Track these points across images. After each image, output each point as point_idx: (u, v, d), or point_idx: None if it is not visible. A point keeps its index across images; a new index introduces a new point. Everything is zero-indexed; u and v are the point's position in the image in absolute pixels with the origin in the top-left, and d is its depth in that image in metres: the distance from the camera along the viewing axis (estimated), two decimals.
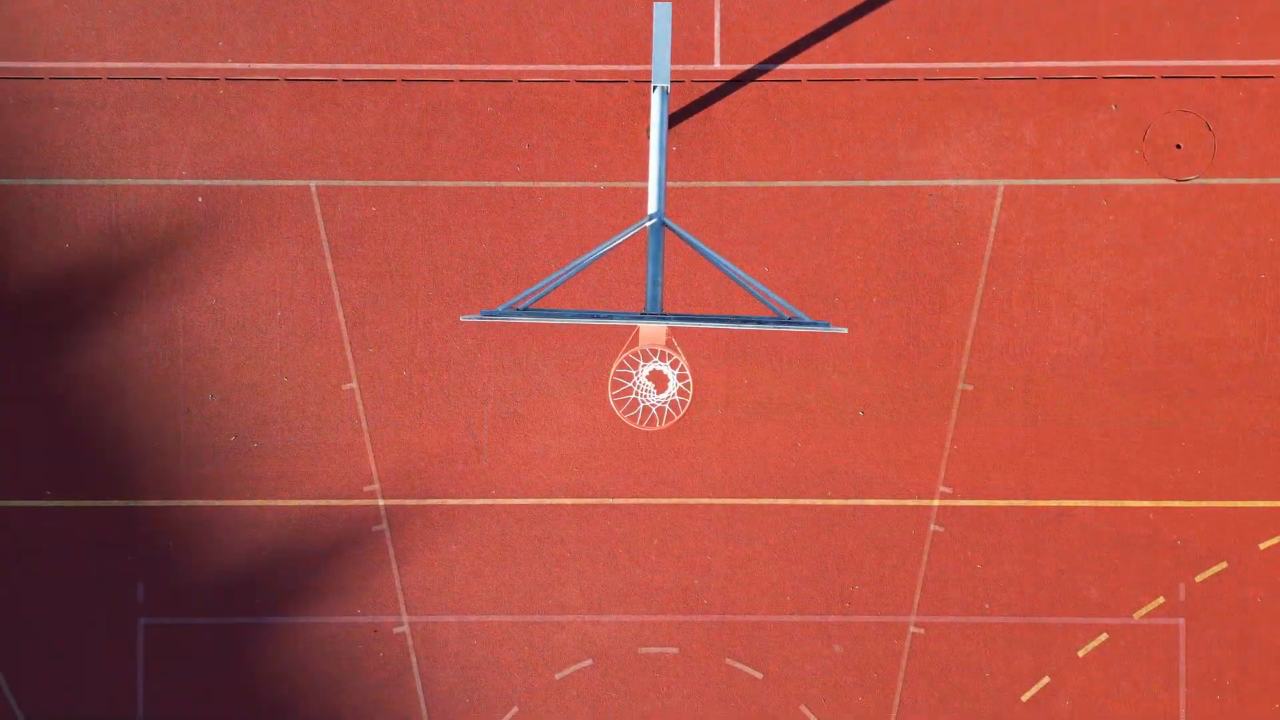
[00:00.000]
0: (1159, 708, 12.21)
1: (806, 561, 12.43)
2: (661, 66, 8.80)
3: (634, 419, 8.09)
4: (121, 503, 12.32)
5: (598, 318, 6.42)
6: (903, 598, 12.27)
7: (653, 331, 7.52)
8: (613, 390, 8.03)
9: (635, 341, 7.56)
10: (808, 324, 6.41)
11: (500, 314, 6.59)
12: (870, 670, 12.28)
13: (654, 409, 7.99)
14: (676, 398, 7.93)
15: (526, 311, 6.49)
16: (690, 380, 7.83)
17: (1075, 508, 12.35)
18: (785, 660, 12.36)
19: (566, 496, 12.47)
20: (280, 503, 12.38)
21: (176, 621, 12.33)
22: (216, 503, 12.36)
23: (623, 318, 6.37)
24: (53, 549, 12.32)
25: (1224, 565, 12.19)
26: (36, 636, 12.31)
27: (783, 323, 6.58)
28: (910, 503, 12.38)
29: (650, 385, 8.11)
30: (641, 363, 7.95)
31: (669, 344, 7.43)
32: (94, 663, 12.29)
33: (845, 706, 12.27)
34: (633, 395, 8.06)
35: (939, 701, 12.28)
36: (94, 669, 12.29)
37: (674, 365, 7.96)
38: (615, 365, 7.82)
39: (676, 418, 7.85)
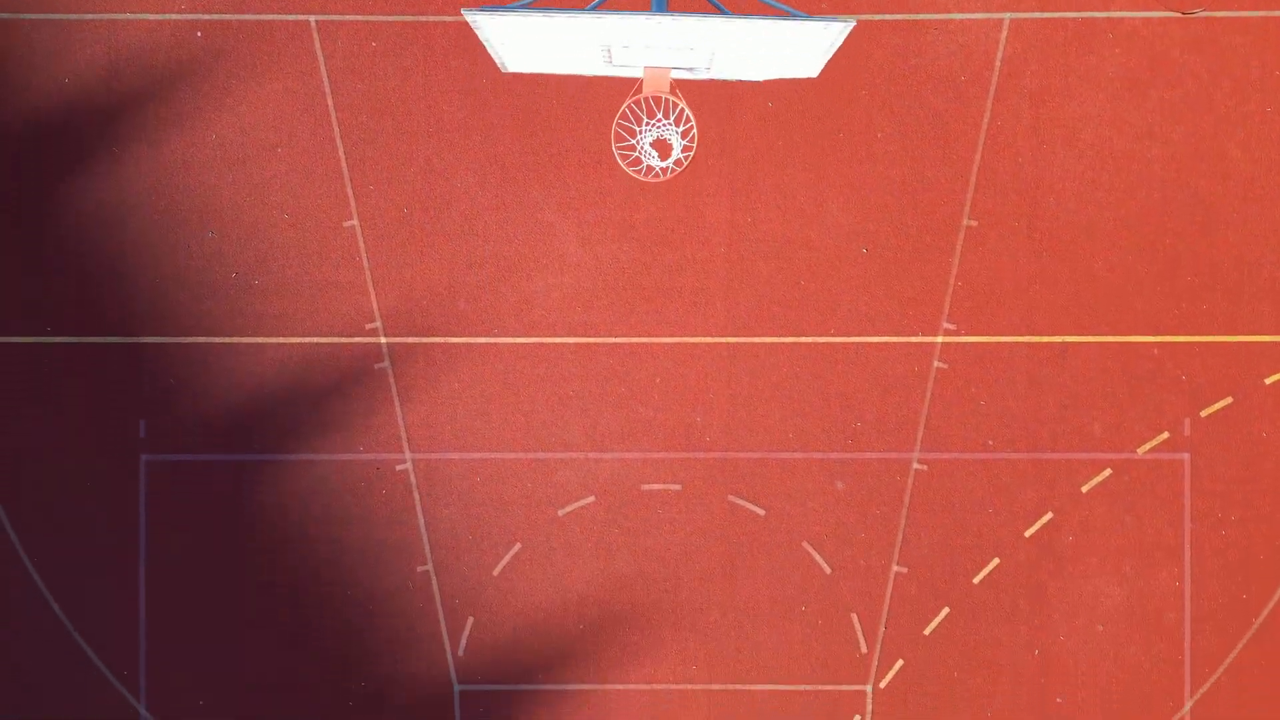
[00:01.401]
0: (1163, 543, 12.19)
1: (809, 399, 12.40)
2: None
3: (637, 172, 7.98)
4: (122, 339, 12.29)
5: (597, 10, 6.25)
6: (906, 435, 12.24)
7: (656, 75, 7.40)
8: (616, 144, 7.92)
9: (639, 90, 7.43)
10: (816, 19, 6.28)
11: (502, 9, 6.44)
12: (873, 507, 12.27)
13: (657, 168, 7.88)
14: (681, 155, 7.84)
15: (528, 9, 6.36)
16: (695, 132, 7.71)
17: (1079, 343, 12.31)
18: (787, 497, 12.34)
19: (569, 335, 12.43)
20: (282, 340, 12.34)
21: (178, 458, 12.33)
22: (218, 340, 12.32)
23: (624, 14, 6.23)
24: (54, 386, 12.30)
25: (1229, 400, 12.15)
26: (38, 474, 12.30)
27: (790, 17, 6.44)
28: (914, 340, 12.34)
29: (654, 152, 8.01)
30: (645, 119, 7.82)
31: (673, 90, 7.29)
32: (96, 499, 12.29)
33: (847, 543, 12.27)
34: (636, 154, 7.94)
35: (941, 538, 12.26)
36: (96, 505, 12.29)
37: (678, 121, 7.82)
38: (618, 116, 7.72)
39: (681, 169, 7.75)
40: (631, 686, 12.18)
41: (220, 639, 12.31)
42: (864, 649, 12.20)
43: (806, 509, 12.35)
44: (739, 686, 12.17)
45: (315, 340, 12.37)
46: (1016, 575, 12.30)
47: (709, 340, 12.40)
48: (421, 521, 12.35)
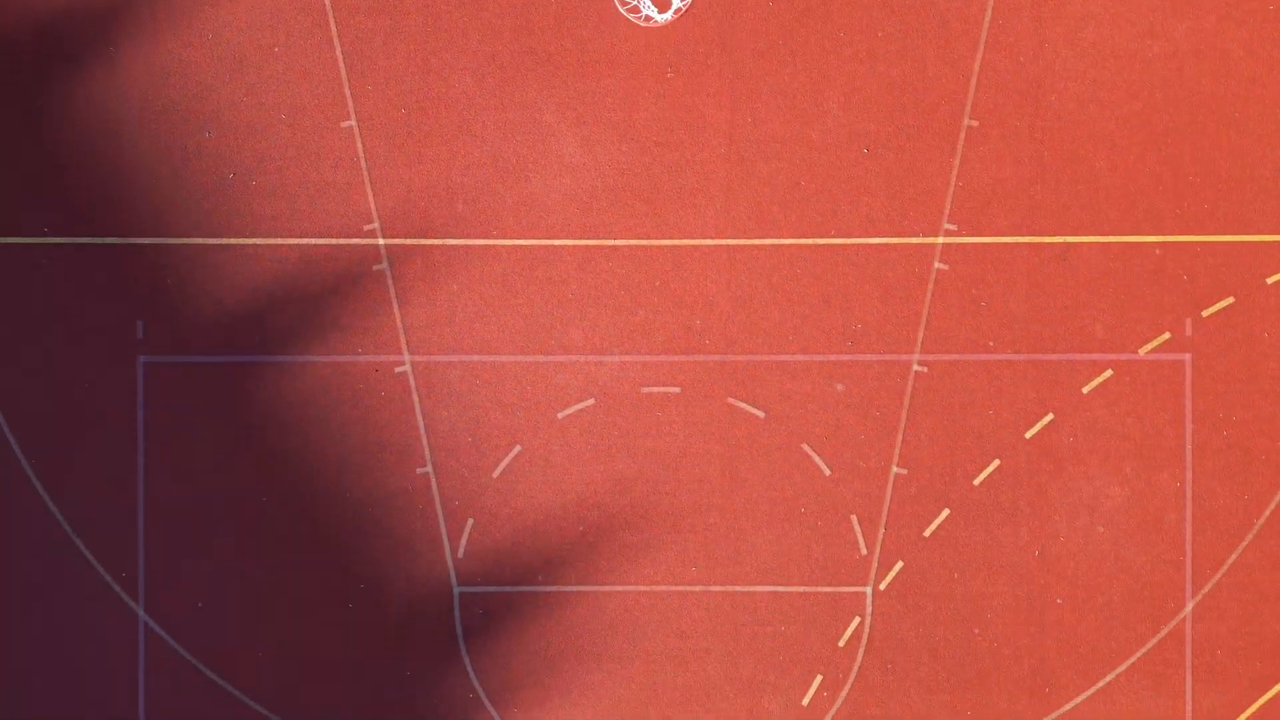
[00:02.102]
0: (1164, 444, 12.15)
1: (809, 301, 12.35)
2: None
3: (636, 16, 7.90)
4: (120, 240, 12.24)
5: None
6: (906, 336, 12.19)
7: None
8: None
9: None
10: None
11: None
12: (873, 409, 12.23)
13: (657, 18, 7.81)
14: (680, 4, 7.79)
15: None
16: None
17: (1081, 244, 12.25)
18: (787, 399, 12.30)
19: (569, 238, 12.38)
20: (280, 241, 12.29)
21: (177, 360, 12.30)
22: (216, 241, 12.27)
23: None
24: (52, 287, 12.26)
25: (1231, 300, 12.09)
26: (36, 375, 12.27)
27: None
28: (914, 241, 12.28)
29: (654, 7, 7.95)
30: None
31: None
32: (93, 400, 12.25)
33: (847, 444, 12.23)
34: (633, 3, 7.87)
35: (942, 439, 12.22)
36: (93, 406, 12.26)
37: None
38: None
39: (680, 15, 7.69)
40: (630, 588, 12.16)
41: (219, 541, 12.28)
42: (864, 551, 12.18)
43: (806, 411, 12.31)
44: (738, 589, 12.16)
45: (313, 242, 12.31)
46: (1017, 477, 12.27)
47: (710, 242, 12.35)
48: (421, 424, 12.32)
